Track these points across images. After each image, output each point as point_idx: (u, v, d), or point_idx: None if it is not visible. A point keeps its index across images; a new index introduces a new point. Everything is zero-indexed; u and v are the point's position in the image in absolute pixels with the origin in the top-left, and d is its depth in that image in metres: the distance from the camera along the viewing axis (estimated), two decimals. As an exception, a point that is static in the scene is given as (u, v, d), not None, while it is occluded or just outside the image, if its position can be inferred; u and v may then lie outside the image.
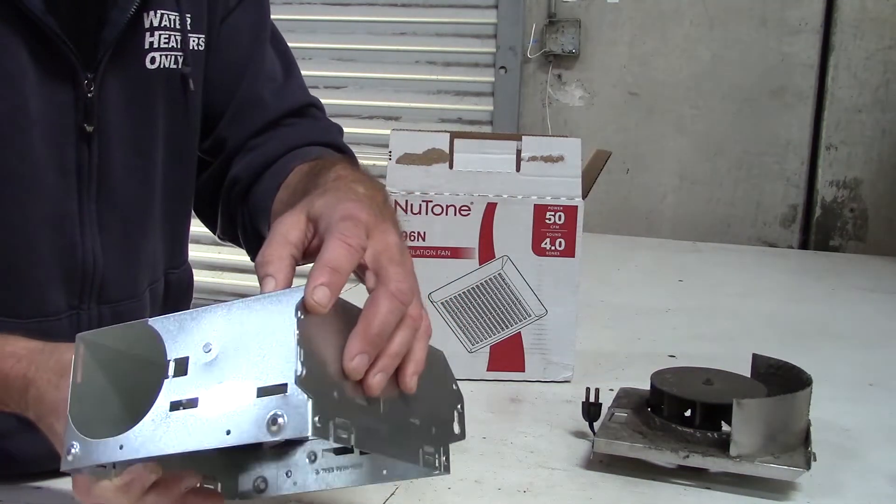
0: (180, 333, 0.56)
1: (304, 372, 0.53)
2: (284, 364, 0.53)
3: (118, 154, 0.85)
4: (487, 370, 1.12)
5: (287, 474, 0.68)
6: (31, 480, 0.80)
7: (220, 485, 0.67)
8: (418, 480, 0.84)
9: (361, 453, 0.66)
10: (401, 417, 0.62)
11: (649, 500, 0.82)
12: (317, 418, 0.53)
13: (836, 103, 2.41)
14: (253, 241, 0.96)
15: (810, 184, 2.47)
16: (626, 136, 2.57)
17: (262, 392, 0.53)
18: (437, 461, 0.64)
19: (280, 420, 0.52)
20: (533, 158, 1.09)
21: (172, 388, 0.55)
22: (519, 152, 1.09)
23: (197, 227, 1.06)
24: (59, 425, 0.62)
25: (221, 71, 0.96)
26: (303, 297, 0.55)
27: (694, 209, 2.55)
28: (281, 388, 0.53)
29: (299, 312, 0.54)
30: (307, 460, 0.68)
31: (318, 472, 0.68)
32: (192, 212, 1.03)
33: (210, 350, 0.55)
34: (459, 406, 0.69)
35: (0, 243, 0.80)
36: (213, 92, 0.96)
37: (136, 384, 0.58)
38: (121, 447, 0.55)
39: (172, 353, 0.56)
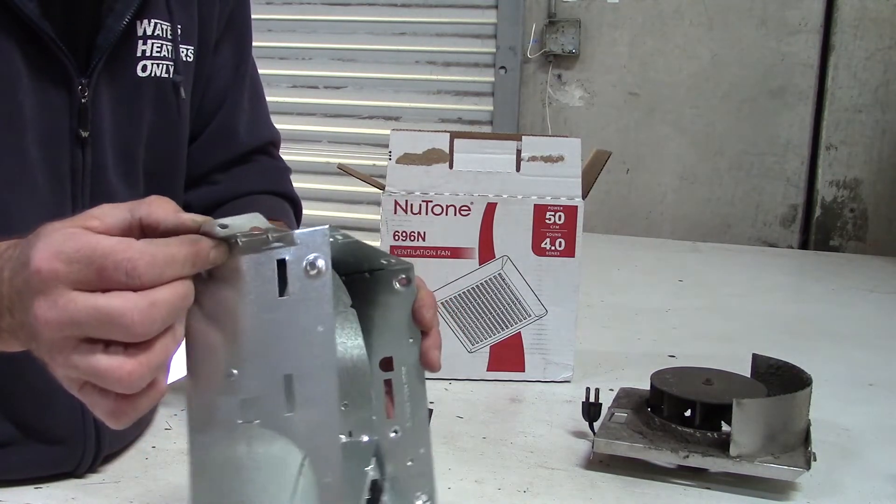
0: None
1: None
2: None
3: (110, 159, 0.85)
4: (487, 370, 1.12)
5: None
6: (31, 483, 0.80)
7: None
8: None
9: None
10: None
11: (649, 500, 0.82)
12: (326, 226, 0.53)
13: (836, 103, 2.41)
14: None
15: (810, 184, 2.47)
16: (626, 136, 2.57)
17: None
18: None
19: (315, 259, 0.52)
20: (533, 158, 1.09)
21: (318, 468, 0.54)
22: (519, 152, 1.09)
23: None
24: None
25: (204, 97, 0.96)
26: None
27: (694, 209, 2.55)
28: (287, 243, 0.52)
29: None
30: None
31: None
32: None
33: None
34: None
35: None
36: (193, 115, 0.96)
37: None
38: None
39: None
